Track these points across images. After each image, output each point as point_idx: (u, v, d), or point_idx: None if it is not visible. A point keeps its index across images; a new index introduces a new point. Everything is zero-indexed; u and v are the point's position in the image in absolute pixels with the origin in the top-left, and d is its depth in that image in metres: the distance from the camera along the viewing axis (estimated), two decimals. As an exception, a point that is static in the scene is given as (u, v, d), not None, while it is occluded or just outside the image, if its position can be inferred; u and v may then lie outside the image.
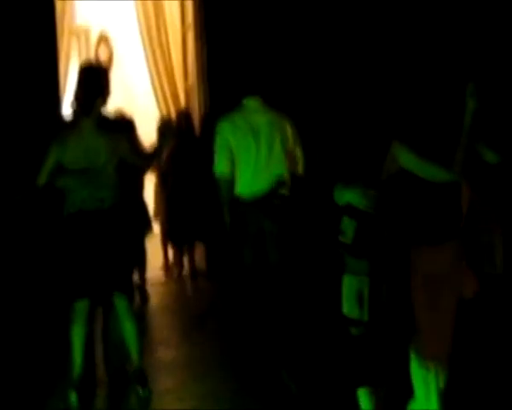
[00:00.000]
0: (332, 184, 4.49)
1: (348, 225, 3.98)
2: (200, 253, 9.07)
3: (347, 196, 4.02)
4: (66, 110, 9.20)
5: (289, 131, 5.74)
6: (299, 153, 5.78)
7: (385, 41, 8.05)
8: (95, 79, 5.17)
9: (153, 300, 7.78)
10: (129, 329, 5.23)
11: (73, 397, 5.10)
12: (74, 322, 5.15)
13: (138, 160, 5.35)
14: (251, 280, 5.77)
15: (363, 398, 4.03)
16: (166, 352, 6.14)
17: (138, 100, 11.07)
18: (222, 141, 5.64)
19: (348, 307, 3.94)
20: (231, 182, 5.64)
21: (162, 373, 5.59)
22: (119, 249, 5.18)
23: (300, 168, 5.80)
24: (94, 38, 10.83)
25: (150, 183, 8.94)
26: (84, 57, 10.69)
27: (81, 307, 5.14)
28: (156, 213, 9.37)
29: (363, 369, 3.94)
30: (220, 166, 5.63)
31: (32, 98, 7.65)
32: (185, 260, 9.11)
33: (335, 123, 7.76)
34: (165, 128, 5.65)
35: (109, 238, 5.11)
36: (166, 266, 9.39)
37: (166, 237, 9.28)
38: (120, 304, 5.21)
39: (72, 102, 5.18)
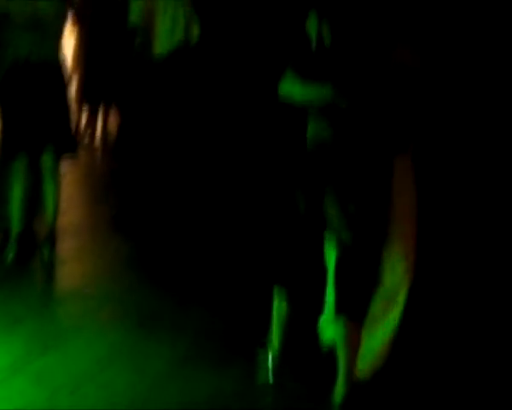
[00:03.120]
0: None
1: (322, 131, 3.37)
2: (113, 121, 9.10)
3: (324, 92, 3.28)
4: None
5: (189, 4, 6.68)
6: (195, 25, 6.71)
7: None
8: None
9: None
10: (50, 187, 5.36)
11: (11, 253, 5.30)
12: (14, 180, 5.27)
13: None
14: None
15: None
16: (68, 218, 6.25)
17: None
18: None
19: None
20: (145, 29, 6.52)
21: (66, 239, 5.77)
22: (58, 101, 5.27)
23: (194, 38, 6.74)
24: None
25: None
26: None
27: (20, 164, 5.24)
28: (73, 69, 9.28)
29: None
30: (134, 18, 6.50)
31: None
32: (98, 128, 9.15)
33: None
34: None
35: (50, 90, 5.19)
36: (78, 131, 9.40)
37: (82, 97, 9.23)
38: (47, 160, 5.31)
39: None
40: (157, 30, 6.50)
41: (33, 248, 5.45)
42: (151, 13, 6.45)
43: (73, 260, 5.48)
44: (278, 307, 3.75)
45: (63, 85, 5.33)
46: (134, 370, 3.98)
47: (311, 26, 3.40)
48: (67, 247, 5.65)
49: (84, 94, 9.11)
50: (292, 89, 3.39)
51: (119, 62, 8.48)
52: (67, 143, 5.37)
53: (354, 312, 3.50)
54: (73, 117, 8.97)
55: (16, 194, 5.31)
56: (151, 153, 6.71)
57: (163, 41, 6.50)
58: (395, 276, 3.61)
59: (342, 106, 3.26)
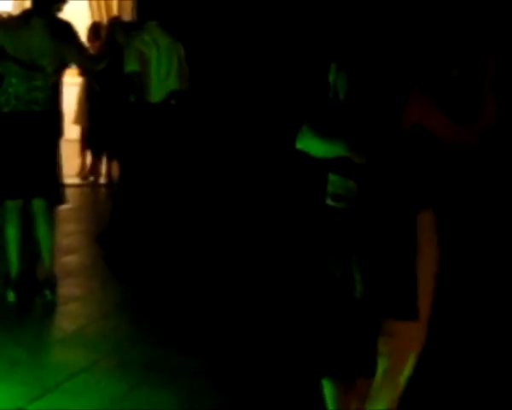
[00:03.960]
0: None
1: (343, 186, 3.22)
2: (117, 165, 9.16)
3: (339, 147, 3.16)
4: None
5: (182, 53, 6.71)
6: (186, 72, 6.74)
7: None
8: None
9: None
10: (43, 230, 5.32)
11: (11, 296, 5.26)
12: (7, 221, 5.25)
13: (88, 63, 5.66)
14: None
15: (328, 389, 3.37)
16: (69, 258, 6.25)
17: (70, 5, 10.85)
18: (132, 48, 6.46)
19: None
20: (142, 78, 6.47)
21: (67, 279, 5.74)
22: (48, 152, 5.24)
23: (186, 84, 6.78)
24: None
25: (71, 89, 8.89)
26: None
27: (13, 205, 5.23)
28: (77, 120, 9.43)
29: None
30: (131, 66, 6.45)
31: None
32: (103, 169, 9.25)
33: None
34: (115, 29, 5.97)
35: (39, 141, 5.16)
36: (83, 173, 9.50)
37: (86, 144, 9.36)
38: (39, 205, 5.28)
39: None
40: (151, 78, 6.54)
41: (35, 290, 5.39)
42: (145, 61, 6.53)
43: (73, 302, 5.42)
44: (330, 394, 3.40)
45: (52, 137, 5.29)
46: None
47: (331, 78, 3.30)
48: (68, 288, 5.58)
49: (88, 142, 9.24)
50: (308, 143, 3.28)
51: (118, 111, 8.58)
52: (55, 196, 5.35)
53: (370, 369, 3.37)
54: (76, 161, 9.24)
55: (11, 235, 5.27)
56: (150, 198, 6.70)
57: (157, 89, 6.55)
58: (408, 333, 3.43)
59: (357, 161, 3.15)
